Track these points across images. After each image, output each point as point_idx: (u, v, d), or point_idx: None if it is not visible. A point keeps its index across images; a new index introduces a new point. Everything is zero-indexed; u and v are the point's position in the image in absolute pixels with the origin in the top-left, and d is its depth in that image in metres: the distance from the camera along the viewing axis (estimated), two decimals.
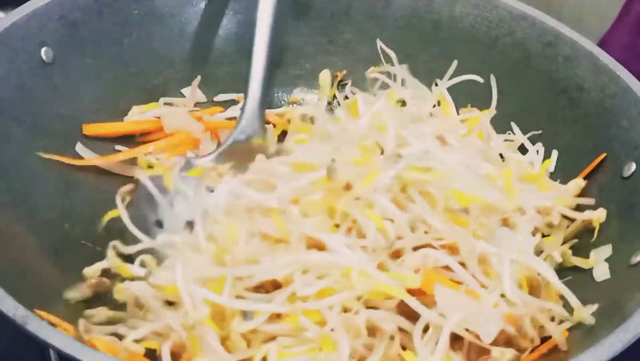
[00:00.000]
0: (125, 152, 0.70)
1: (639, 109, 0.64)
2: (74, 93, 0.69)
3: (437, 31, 0.78)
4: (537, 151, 0.72)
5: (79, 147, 0.69)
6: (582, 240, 0.63)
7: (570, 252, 0.62)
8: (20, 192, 0.61)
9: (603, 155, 0.66)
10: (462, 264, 0.55)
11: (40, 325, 0.46)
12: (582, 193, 0.66)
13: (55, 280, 0.59)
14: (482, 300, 0.54)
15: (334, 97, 0.80)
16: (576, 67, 0.70)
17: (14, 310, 0.46)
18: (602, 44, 0.91)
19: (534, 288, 0.58)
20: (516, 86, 0.74)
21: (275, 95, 0.81)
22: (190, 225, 0.60)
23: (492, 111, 0.74)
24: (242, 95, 0.79)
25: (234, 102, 0.80)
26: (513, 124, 0.74)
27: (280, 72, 0.80)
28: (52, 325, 0.51)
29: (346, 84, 0.80)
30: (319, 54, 0.81)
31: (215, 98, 0.79)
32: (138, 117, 0.73)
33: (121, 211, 0.62)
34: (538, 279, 0.57)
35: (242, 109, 0.71)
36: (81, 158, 0.68)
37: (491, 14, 0.76)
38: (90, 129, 0.70)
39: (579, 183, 0.66)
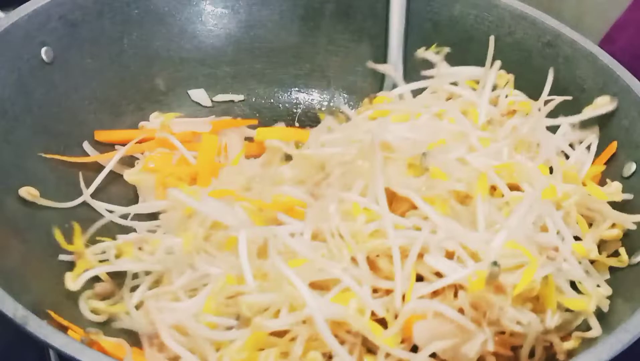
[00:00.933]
0: (126, 149, 0.70)
1: (639, 109, 0.64)
2: (74, 93, 0.69)
3: (437, 31, 0.78)
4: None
5: (86, 145, 0.69)
6: None
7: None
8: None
9: (614, 143, 0.65)
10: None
11: (40, 325, 0.46)
12: None
13: (55, 280, 0.59)
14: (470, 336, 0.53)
15: None
16: (576, 67, 0.70)
17: (14, 310, 0.46)
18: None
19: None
20: (516, 86, 0.74)
21: (275, 94, 0.81)
22: None
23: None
24: (242, 96, 0.79)
25: (233, 103, 0.80)
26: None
27: (280, 72, 0.80)
28: (63, 327, 0.52)
29: None
30: (319, 54, 0.81)
31: (215, 99, 0.79)
32: (148, 123, 0.74)
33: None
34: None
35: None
36: (81, 156, 0.68)
37: (491, 13, 0.76)
38: (101, 136, 0.70)
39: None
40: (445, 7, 0.77)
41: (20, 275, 0.55)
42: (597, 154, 0.67)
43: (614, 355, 0.48)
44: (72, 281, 0.59)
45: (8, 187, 0.60)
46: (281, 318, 0.52)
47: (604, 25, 0.91)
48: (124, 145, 0.70)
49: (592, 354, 0.48)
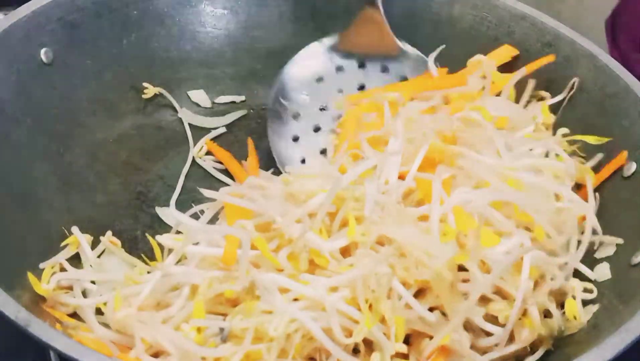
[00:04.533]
0: None
1: (639, 109, 0.64)
2: (73, 94, 0.69)
3: (437, 31, 0.78)
4: None
5: None
6: None
7: None
8: (20, 192, 0.61)
9: (624, 153, 0.64)
10: None
11: (43, 328, 0.46)
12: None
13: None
14: None
15: None
16: (576, 67, 0.70)
17: (16, 312, 0.46)
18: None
19: None
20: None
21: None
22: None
23: None
24: (243, 97, 0.79)
25: (234, 104, 0.80)
26: None
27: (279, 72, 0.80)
28: (58, 321, 0.52)
29: None
30: None
31: (217, 100, 0.79)
32: None
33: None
34: None
35: None
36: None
37: (490, 14, 0.76)
38: None
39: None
40: (445, 7, 0.77)
41: (21, 275, 0.55)
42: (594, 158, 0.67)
43: (616, 354, 0.48)
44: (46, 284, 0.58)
45: (8, 189, 0.60)
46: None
47: (603, 25, 0.92)
48: None
49: (595, 354, 0.48)
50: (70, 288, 0.59)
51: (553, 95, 0.71)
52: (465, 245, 0.54)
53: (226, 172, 0.75)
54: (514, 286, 0.54)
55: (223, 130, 0.78)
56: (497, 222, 0.57)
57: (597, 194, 0.64)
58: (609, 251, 0.61)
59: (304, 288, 0.53)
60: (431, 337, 0.53)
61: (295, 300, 0.53)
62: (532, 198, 0.59)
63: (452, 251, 0.52)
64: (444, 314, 0.54)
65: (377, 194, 0.58)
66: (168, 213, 0.71)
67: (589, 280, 0.59)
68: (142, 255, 0.63)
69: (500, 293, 0.55)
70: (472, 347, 0.54)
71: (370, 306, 0.52)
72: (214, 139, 0.77)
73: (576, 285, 0.58)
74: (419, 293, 0.54)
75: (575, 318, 0.56)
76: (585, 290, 0.58)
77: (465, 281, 0.54)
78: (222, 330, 0.52)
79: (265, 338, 0.51)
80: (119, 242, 0.64)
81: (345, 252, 0.56)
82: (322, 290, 0.53)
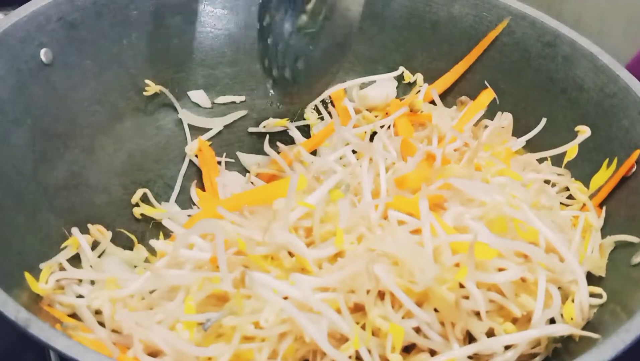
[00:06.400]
0: None
1: (639, 109, 0.64)
2: (73, 94, 0.69)
3: (436, 31, 0.78)
4: None
5: None
6: None
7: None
8: (20, 192, 0.61)
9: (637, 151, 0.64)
10: None
11: (43, 328, 0.46)
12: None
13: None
14: None
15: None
16: (576, 66, 0.70)
17: (16, 313, 0.46)
18: None
19: None
20: (515, 86, 0.74)
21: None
22: None
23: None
24: (243, 97, 0.79)
25: (234, 104, 0.80)
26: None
27: None
28: (57, 321, 0.52)
29: None
30: None
31: (217, 101, 0.79)
32: None
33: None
34: None
35: None
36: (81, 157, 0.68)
37: (490, 13, 0.76)
38: None
39: None
40: (445, 7, 0.77)
41: (21, 276, 0.55)
42: (594, 157, 0.67)
43: (616, 355, 0.47)
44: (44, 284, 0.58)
45: (8, 189, 0.60)
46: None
47: (604, 25, 0.92)
48: None
49: (595, 354, 0.48)
50: None
51: (554, 96, 0.72)
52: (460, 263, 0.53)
53: None
54: (516, 304, 0.54)
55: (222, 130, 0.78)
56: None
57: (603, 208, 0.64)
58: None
59: (289, 288, 0.53)
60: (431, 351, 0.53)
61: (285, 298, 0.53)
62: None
63: (439, 268, 0.51)
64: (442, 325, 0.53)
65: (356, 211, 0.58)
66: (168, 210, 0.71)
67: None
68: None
69: (503, 310, 0.54)
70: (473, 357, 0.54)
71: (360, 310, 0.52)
72: (214, 139, 0.77)
73: (579, 288, 0.57)
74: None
75: (572, 319, 0.55)
76: (593, 295, 0.57)
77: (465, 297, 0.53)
78: (208, 320, 0.52)
79: (256, 338, 0.51)
80: (106, 232, 0.64)
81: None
82: (307, 290, 0.52)
